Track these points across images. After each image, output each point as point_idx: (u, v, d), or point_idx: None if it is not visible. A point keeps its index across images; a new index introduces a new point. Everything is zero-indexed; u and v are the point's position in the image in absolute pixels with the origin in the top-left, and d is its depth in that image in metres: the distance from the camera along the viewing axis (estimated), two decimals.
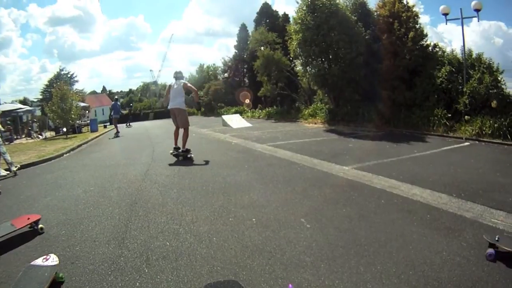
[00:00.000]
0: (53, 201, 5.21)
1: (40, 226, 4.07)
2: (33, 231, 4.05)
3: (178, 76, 8.80)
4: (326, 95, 17.85)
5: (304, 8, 15.80)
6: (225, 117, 18.74)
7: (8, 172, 8.02)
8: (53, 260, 2.99)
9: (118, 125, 19.77)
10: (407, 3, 14.48)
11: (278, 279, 2.73)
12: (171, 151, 8.53)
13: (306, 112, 18.85)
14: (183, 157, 8.16)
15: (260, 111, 25.97)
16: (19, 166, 8.65)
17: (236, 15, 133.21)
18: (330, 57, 15.84)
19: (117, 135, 18.13)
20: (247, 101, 27.16)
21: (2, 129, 8.27)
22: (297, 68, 22.09)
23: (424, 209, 4.21)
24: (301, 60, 17.52)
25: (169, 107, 8.53)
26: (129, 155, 10.42)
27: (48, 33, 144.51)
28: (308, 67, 17.38)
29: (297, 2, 16.39)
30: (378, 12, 15.24)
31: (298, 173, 6.21)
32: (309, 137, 11.55)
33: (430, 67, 12.77)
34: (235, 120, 18.03)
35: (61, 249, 3.50)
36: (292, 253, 3.17)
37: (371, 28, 15.82)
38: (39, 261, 2.98)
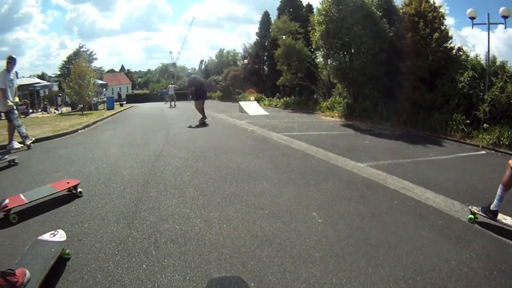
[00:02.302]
0: (65, 176, 5.24)
1: (79, 190, 4.44)
2: (71, 194, 4.42)
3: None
4: (345, 89, 17.63)
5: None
6: (242, 103, 18.55)
7: (22, 145, 8.10)
8: (60, 236, 2.99)
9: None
10: (434, 3, 14.19)
11: (286, 272, 2.71)
12: None
13: (324, 105, 18.66)
14: None
15: (278, 100, 25.85)
16: (33, 139, 8.74)
17: (259, 2, 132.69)
18: (352, 51, 15.60)
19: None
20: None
21: (19, 102, 8.33)
22: (318, 60, 22.10)
23: (436, 214, 4.12)
24: (323, 52, 17.36)
25: None
26: (144, 135, 10.48)
27: (69, 10, 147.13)
28: (329, 60, 17.30)
29: None
30: (404, 10, 14.93)
31: (313, 166, 6.15)
32: (325, 130, 11.45)
33: (452, 70, 12.38)
34: (252, 107, 17.88)
35: (69, 225, 3.55)
36: (302, 247, 3.14)
37: (395, 25, 15.46)
38: (46, 236, 2.97)
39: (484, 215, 3.80)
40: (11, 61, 7.90)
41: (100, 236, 3.27)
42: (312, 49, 20.97)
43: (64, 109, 26.73)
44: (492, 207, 3.74)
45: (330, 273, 2.71)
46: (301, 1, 30.93)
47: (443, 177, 5.88)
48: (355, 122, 14.05)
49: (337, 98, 18.57)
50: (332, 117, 16.41)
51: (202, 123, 12.34)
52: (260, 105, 21.90)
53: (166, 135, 9.97)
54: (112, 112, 22.75)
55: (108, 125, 14.62)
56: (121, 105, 31.89)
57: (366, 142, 9.10)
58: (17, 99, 8.22)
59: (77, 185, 4.50)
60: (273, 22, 31.51)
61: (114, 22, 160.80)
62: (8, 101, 7.69)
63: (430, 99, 12.67)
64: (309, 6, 28.88)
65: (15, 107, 8.00)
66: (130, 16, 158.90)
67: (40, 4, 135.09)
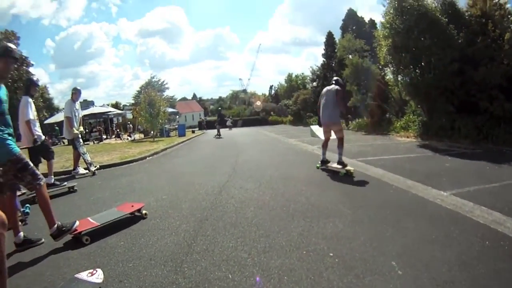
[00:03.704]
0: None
1: (144, 212, 4.87)
2: (135, 217, 4.76)
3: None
4: (418, 106, 17.10)
5: (392, 11, 15.17)
6: (313, 127, 18.40)
7: (87, 171, 8.68)
8: (98, 276, 2.95)
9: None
10: (498, 0, 13.53)
11: None
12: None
13: (397, 125, 18.13)
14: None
15: (350, 122, 25.30)
16: (98, 166, 9.40)
17: (321, 24, 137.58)
18: (422, 64, 15.03)
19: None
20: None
21: (83, 130, 8.96)
22: (388, 77, 21.83)
23: None
24: (392, 68, 17.31)
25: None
26: (211, 163, 10.60)
27: (139, 44, 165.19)
28: (399, 76, 16.94)
29: (384, 6, 16.02)
30: (469, 12, 14.39)
31: (391, 197, 5.42)
32: (401, 153, 10.59)
33: None
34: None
35: (113, 263, 3.43)
36: None
37: (463, 31, 14.22)
38: (84, 275, 2.98)
39: None
40: (76, 92, 8.84)
41: (143, 280, 3.04)
42: (380, 66, 20.69)
43: (137, 136, 28.49)
44: None
45: None
46: (363, 18, 30.82)
47: None
48: (432, 141, 13.02)
49: (411, 117, 17.91)
50: (407, 137, 15.78)
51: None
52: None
53: (234, 163, 9.88)
54: (183, 138, 23.84)
55: (178, 152, 15.15)
56: (193, 131, 33.27)
57: (447, 164, 8.05)
58: (81, 128, 8.85)
59: (141, 208, 4.87)
60: (337, 41, 32.05)
61: (183, 53, 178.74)
62: (74, 129, 8.38)
63: (510, 110, 11.74)
64: (372, 22, 28.94)
65: (79, 136, 8.56)
66: (198, 46, 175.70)
67: (111, 39, 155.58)
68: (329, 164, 7.97)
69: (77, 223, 4.01)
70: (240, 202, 5.46)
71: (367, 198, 5.40)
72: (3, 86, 3.75)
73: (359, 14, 32.03)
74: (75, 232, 3.93)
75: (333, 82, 7.99)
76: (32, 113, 6.50)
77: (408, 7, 14.33)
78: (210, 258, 3.38)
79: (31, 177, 3.81)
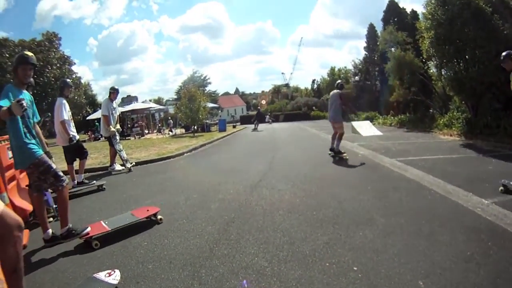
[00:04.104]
0: (152, 205, 5.32)
1: (159, 217, 4.79)
2: (148, 222, 4.72)
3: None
4: (463, 102, 16.56)
5: (433, 1, 14.67)
6: (354, 123, 18.41)
7: (123, 168, 8.98)
8: (115, 277, 3.03)
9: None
10: None
11: None
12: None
13: (441, 122, 17.46)
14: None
15: (392, 118, 25.53)
16: (134, 163, 9.72)
17: (363, 16, 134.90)
18: (467, 57, 14.37)
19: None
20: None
21: (120, 128, 9.24)
22: (431, 71, 20.99)
23: None
24: (435, 62, 16.59)
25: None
26: (248, 160, 10.67)
27: (181, 40, 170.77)
28: (442, 70, 16.16)
29: None
30: None
31: (428, 205, 5.10)
32: (443, 153, 10.02)
33: None
34: (365, 127, 17.51)
35: (133, 263, 3.52)
36: None
37: (509, 21, 13.18)
38: (101, 275, 3.07)
39: None
40: (114, 92, 9.22)
41: (159, 283, 3.07)
42: (424, 59, 19.90)
43: (178, 131, 29.10)
44: None
45: None
46: (405, 9, 29.80)
47: None
48: (477, 140, 12.21)
49: (455, 113, 17.18)
50: (451, 135, 15.03)
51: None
52: (374, 124, 21.57)
53: (270, 161, 9.88)
54: (223, 134, 24.06)
55: (215, 148, 15.30)
56: (234, 126, 33.57)
57: (490, 167, 7.46)
58: (118, 126, 9.15)
59: (157, 212, 4.80)
60: (379, 34, 31.38)
61: (225, 48, 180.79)
62: (111, 127, 8.65)
63: None
64: (414, 13, 27.96)
65: (116, 133, 8.83)
66: (240, 41, 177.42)
67: (153, 36, 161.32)
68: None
69: (89, 229, 4.12)
70: (270, 205, 5.39)
71: (402, 204, 5.15)
72: (25, 91, 3.98)
73: (401, 5, 31.20)
74: (86, 236, 4.04)
75: (338, 84, 10.29)
76: (66, 114, 6.82)
77: None
78: (229, 264, 3.35)
79: (54, 178, 4.00)
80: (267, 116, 42.72)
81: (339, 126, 9.95)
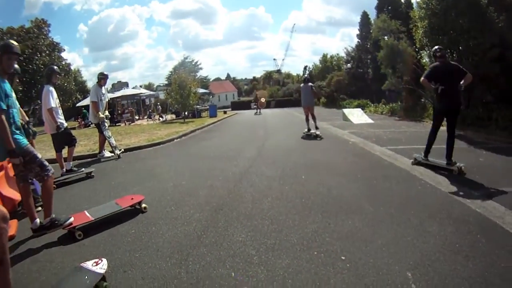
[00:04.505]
0: (140, 191, 5.32)
1: (143, 205, 4.74)
2: (135, 210, 4.67)
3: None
4: None
5: None
6: (345, 110, 18.58)
7: (112, 155, 8.94)
8: (102, 266, 3.00)
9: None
10: None
11: None
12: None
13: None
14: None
15: (384, 106, 25.90)
16: (123, 150, 9.73)
17: (356, 3, 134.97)
18: (460, 48, 14.56)
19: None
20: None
21: (109, 114, 9.16)
22: (424, 60, 20.86)
23: None
24: (428, 52, 16.76)
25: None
26: (237, 146, 10.64)
27: (172, 25, 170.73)
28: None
29: None
30: None
31: (418, 194, 5.13)
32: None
33: None
34: (356, 115, 17.95)
35: (121, 252, 3.51)
36: None
37: (503, 14, 13.18)
38: (89, 264, 3.04)
39: None
40: (104, 77, 9.11)
41: (146, 271, 3.08)
42: (417, 49, 20.03)
43: (169, 117, 28.91)
44: None
45: None
46: None
47: None
48: (467, 132, 12.25)
49: None
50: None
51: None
52: (365, 112, 21.78)
53: (261, 147, 9.89)
54: (213, 120, 23.98)
55: (206, 134, 15.25)
56: (225, 112, 33.48)
57: (481, 159, 7.54)
58: (107, 113, 9.06)
59: (141, 201, 4.75)
60: (373, 22, 31.35)
61: (217, 34, 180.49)
62: (99, 113, 8.56)
63: None
64: (408, 2, 27.85)
65: (105, 120, 8.75)
66: (232, 26, 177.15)
67: (144, 21, 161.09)
68: (312, 131, 11.96)
69: (72, 219, 4.07)
70: (259, 192, 5.40)
71: (392, 194, 5.17)
72: (7, 81, 3.90)
73: None
74: (69, 227, 4.00)
75: (306, 79, 13.26)
76: (54, 101, 6.72)
77: None
78: (216, 252, 3.36)
79: (39, 168, 3.96)
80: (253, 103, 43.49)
81: (312, 109, 12.45)
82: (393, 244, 3.45)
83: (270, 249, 3.38)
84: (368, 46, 33.84)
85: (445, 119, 6.98)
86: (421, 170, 6.51)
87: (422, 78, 6.66)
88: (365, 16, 35.36)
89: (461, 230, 3.78)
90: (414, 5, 20.02)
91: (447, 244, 3.45)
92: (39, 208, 4.77)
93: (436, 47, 6.81)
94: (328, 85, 43.37)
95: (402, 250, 3.34)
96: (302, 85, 13.03)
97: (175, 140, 12.74)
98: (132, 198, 4.77)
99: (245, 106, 51.06)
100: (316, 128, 11.97)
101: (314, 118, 12.21)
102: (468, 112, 14.07)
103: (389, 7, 29.38)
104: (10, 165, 5.38)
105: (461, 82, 6.38)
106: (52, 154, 7.40)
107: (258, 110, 32.24)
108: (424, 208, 4.51)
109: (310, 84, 12.60)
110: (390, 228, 3.86)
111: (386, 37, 23.22)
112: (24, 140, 3.87)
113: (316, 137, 11.44)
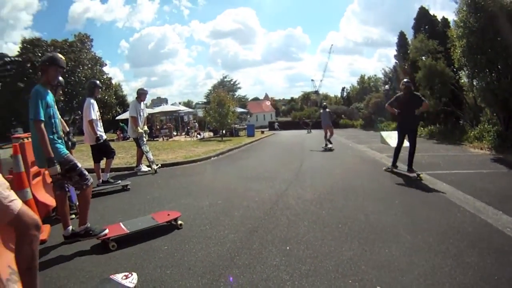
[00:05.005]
0: (175, 208, 5.36)
1: (179, 222, 4.73)
2: (169, 226, 4.69)
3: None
4: (494, 114, 16.25)
5: (465, 8, 14.35)
6: (383, 133, 18.32)
7: (149, 169, 9.10)
8: (131, 281, 3.02)
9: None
10: None
11: None
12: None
13: (471, 134, 16.79)
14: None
15: (422, 128, 24.42)
16: (160, 165, 9.90)
17: (393, 23, 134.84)
18: (499, 67, 14.07)
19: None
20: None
21: (147, 129, 9.38)
22: (462, 81, 20.55)
23: None
24: (467, 72, 16.28)
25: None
26: (274, 167, 10.55)
27: (212, 45, 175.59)
28: (474, 80, 15.87)
29: (456, 2, 15.13)
30: None
31: (456, 222, 4.82)
32: (474, 167, 9.52)
33: None
34: (394, 138, 17.19)
35: (152, 267, 3.48)
36: None
37: None
38: (118, 277, 3.06)
39: None
40: (143, 93, 9.44)
41: None
42: (455, 69, 19.60)
43: (206, 134, 29.32)
44: None
45: None
46: (436, 16, 28.64)
47: None
48: (508, 155, 11.53)
49: (486, 126, 16.42)
50: (481, 148, 14.33)
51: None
52: None
53: (298, 169, 9.77)
54: (251, 139, 24.12)
55: (242, 154, 15.29)
56: (262, 132, 33.63)
57: None
58: (145, 128, 9.26)
59: (178, 217, 4.75)
60: (410, 42, 30.51)
61: (255, 54, 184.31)
62: (138, 128, 8.77)
63: None
64: (445, 20, 26.68)
65: (144, 134, 8.95)
66: (270, 47, 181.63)
67: (184, 40, 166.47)
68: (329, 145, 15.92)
69: (107, 231, 4.12)
70: (295, 215, 5.27)
71: (430, 221, 4.90)
72: (50, 91, 4.07)
73: (432, 12, 29.74)
74: (103, 237, 4.05)
75: (325, 106, 18.06)
76: (95, 114, 7.06)
77: (482, 3, 13.31)
78: (249, 275, 3.26)
79: (79, 177, 4.08)
80: (276, 123, 43.50)
81: (331, 128, 16.62)
82: (430, 275, 3.23)
83: (304, 276, 3.24)
84: (406, 66, 33.25)
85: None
86: (460, 197, 6.17)
87: (386, 105, 8.58)
88: (402, 37, 34.72)
89: (501, 261, 3.51)
90: (452, 24, 19.39)
91: (486, 275, 3.20)
92: (73, 216, 4.89)
93: (404, 80, 8.40)
94: (366, 107, 42.96)
95: (440, 281, 3.12)
96: (321, 111, 17.93)
97: (212, 158, 12.84)
98: (168, 214, 4.79)
99: (284, 127, 50.95)
100: (329, 142, 16.06)
101: (331, 134, 16.33)
102: (508, 134, 13.54)
103: (426, 27, 28.72)
104: (47, 172, 5.58)
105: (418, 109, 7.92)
106: (89, 163, 7.63)
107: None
108: (463, 237, 4.24)
109: (327, 110, 17.05)
110: (427, 258, 3.63)
111: (423, 57, 22.79)
112: (64, 150, 4.01)
113: (327, 150, 15.27)
